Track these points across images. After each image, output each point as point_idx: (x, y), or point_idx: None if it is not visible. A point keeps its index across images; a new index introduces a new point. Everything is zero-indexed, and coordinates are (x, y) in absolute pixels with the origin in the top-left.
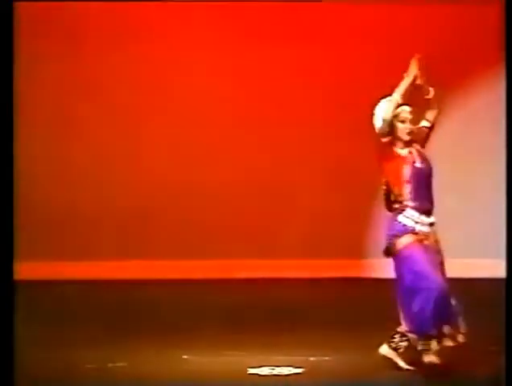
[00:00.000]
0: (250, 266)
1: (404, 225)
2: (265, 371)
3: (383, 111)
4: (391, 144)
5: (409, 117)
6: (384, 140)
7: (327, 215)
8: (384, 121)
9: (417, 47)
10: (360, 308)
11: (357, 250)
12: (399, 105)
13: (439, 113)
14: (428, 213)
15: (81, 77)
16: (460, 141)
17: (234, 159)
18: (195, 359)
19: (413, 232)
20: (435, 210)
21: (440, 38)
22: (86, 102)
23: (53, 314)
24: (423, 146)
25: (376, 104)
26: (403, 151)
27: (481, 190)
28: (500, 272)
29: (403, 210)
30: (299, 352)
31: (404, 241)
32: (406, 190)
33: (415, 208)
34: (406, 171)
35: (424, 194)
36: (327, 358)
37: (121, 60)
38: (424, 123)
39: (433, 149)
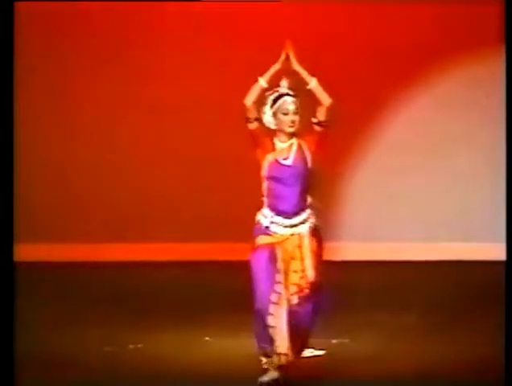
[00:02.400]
0: None
1: (259, 223)
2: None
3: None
4: (268, 133)
5: (291, 107)
6: (250, 126)
7: None
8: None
9: (417, 47)
10: (379, 291)
11: None
12: (282, 94)
13: (328, 109)
14: (291, 215)
15: (81, 77)
16: (460, 139)
17: (232, 155)
18: (216, 341)
19: (267, 232)
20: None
21: (440, 38)
22: (86, 101)
23: (60, 296)
24: (314, 144)
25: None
26: (282, 145)
27: (481, 173)
28: (500, 255)
29: (262, 207)
30: (321, 334)
31: (257, 242)
32: (264, 186)
33: (271, 207)
34: (266, 166)
35: (286, 193)
36: (348, 340)
37: (122, 60)
38: (312, 119)
39: (434, 138)
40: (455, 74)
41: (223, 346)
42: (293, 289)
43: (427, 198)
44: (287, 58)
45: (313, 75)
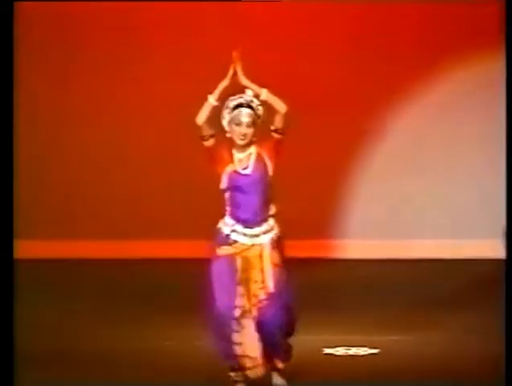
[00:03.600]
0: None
1: (220, 231)
2: (340, 351)
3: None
4: (223, 146)
5: (245, 120)
6: (205, 144)
7: None
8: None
9: (417, 47)
10: (435, 289)
11: None
12: (240, 104)
13: (284, 116)
14: (252, 224)
15: (81, 77)
16: (460, 138)
17: None
18: None
19: (227, 241)
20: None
21: (440, 37)
22: (86, 100)
23: (60, 293)
24: (272, 152)
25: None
26: (240, 155)
27: (480, 170)
28: (499, 252)
29: (224, 215)
30: (375, 332)
31: (218, 252)
32: (225, 197)
33: (232, 216)
34: (225, 178)
35: (247, 202)
36: (401, 338)
37: (122, 59)
38: (271, 126)
39: (433, 137)
40: (455, 74)
41: None
42: (254, 299)
43: (429, 197)
44: (235, 73)
45: (315, 75)
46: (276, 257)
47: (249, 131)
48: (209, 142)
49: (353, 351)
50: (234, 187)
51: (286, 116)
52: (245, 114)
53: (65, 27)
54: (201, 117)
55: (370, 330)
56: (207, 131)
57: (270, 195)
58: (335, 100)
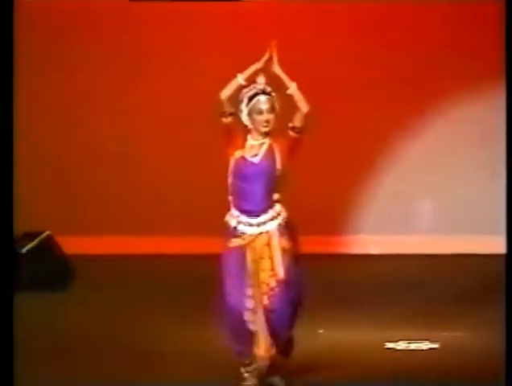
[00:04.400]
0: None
1: (227, 224)
2: (402, 345)
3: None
4: (241, 129)
5: (265, 106)
6: (224, 120)
7: None
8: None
9: (417, 47)
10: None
11: None
12: (257, 93)
13: (304, 116)
14: (257, 213)
15: (81, 76)
16: (461, 134)
17: None
18: (330, 334)
19: (235, 234)
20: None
21: (440, 37)
22: (85, 100)
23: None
24: (286, 148)
25: None
26: (254, 142)
27: (481, 166)
28: (500, 248)
29: (230, 207)
30: (436, 327)
31: (227, 245)
32: (229, 183)
33: (237, 207)
34: (232, 163)
35: (250, 192)
36: (462, 333)
37: (122, 59)
38: (289, 124)
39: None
40: (454, 74)
41: (339, 338)
42: (263, 288)
43: (430, 190)
44: (270, 59)
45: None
46: (285, 243)
47: (271, 117)
48: (227, 120)
49: (415, 345)
50: (239, 176)
51: (307, 116)
52: (263, 101)
53: (65, 26)
54: (225, 93)
55: (431, 325)
56: (228, 108)
57: (274, 187)
58: (350, 98)
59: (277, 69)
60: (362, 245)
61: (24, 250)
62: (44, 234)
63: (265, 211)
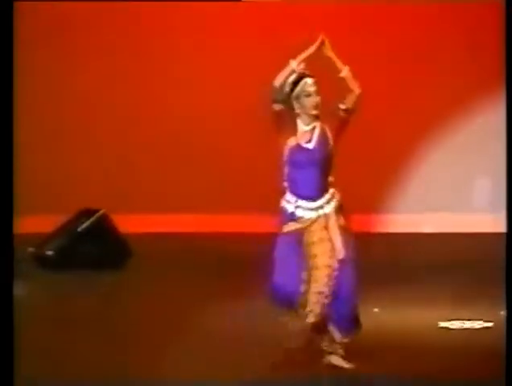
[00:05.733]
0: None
1: (284, 210)
2: (455, 324)
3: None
4: (292, 116)
5: (313, 89)
6: (275, 107)
7: None
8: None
9: (417, 47)
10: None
11: None
12: (301, 76)
13: (357, 97)
14: (314, 198)
15: (81, 77)
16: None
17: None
18: (386, 312)
19: (293, 218)
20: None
21: (440, 37)
22: (85, 100)
23: None
24: (337, 130)
25: None
26: (306, 127)
27: (482, 144)
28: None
29: (285, 193)
30: (490, 306)
31: (284, 229)
32: (284, 171)
33: (293, 192)
34: (287, 151)
35: (307, 178)
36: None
37: (122, 58)
38: (340, 105)
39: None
40: (454, 73)
41: (393, 317)
42: (326, 270)
43: (431, 171)
44: (323, 43)
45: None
46: (342, 222)
47: (319, 99)
48: (278, 106)
49: (468, 324)
50: (294, 163)
51: (359, 98)
52: (310, 84)
53: (65, 27)
54: (279, 80)
55: (484, 304)
56: (279, 95)
57: (329, 170)
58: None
59: (329, 53)
60: (416, 224)
61: (80, 229)
62: (100, 212)
63: (322, 195)
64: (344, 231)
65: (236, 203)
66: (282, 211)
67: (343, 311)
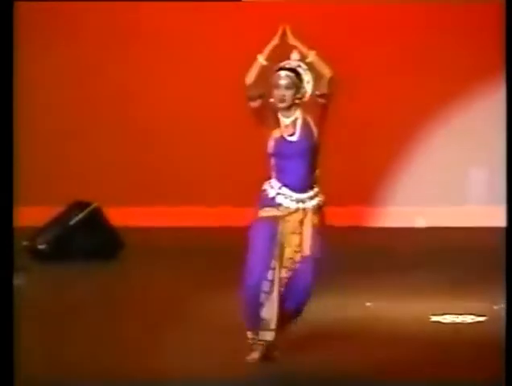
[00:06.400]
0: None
1: (265, 193)
2: (448, 318)
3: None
4: (269, 110)
5: (283, 82)
6: (252, 104)
7: None
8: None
9: (417, 47)
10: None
11: None
12: (280, 68)
13: (329, 80)
14: (299, 189)
15: (81, 76)
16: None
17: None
18: (378, 306)
19: (272, 204)
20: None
21: (440, 37)
22: (82, 95)
23: None
24: (319, 118)
25: None
26: (286, 120)
27: (482, 136)
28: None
29: (270, 178)
30: (482, 300)
31: (260, 213)
32: (271, 162)
33: (279, 179)
34: (271, 143)
35: (293, 169)
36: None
37: (121, 58)
38: (316, 92)
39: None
40: (454, 73)
41: (385, 311)
42: (286, 262)
43: (433, 163)
44: (284, 33)
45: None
46: (317, 222)
47: (288, 93)
48: (256, 103)
49: (460, 318)
50: (280, 154)
51: (332, 82)
52: (283, 76)
53: (65, 27)
54: (250, 77)
55: (476, 297)
56: (254, 91)
57: (316, 162)
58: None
59: (292, 41)
60: (409, 217)
61: (72, 222)
62: (92, 206)
63: (306, 188)
64: (317, 230)
65: (227, 195)
66: (263, 194)
67: (291, 303)
